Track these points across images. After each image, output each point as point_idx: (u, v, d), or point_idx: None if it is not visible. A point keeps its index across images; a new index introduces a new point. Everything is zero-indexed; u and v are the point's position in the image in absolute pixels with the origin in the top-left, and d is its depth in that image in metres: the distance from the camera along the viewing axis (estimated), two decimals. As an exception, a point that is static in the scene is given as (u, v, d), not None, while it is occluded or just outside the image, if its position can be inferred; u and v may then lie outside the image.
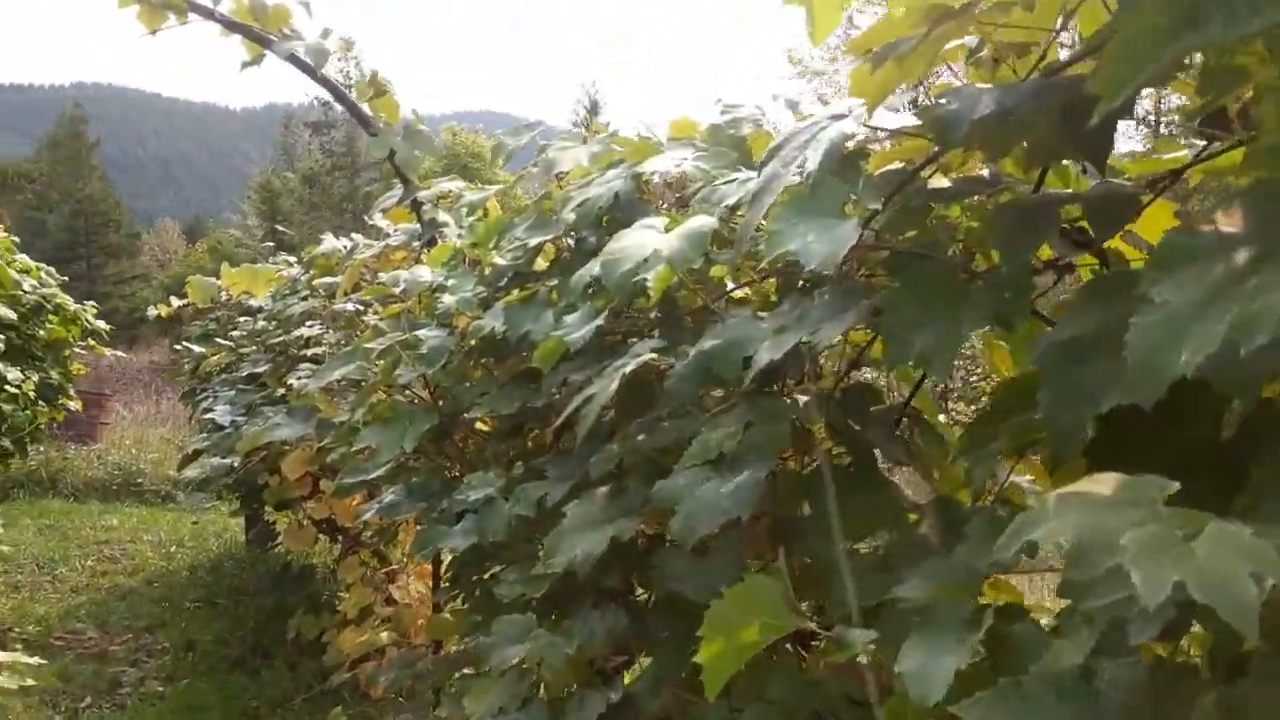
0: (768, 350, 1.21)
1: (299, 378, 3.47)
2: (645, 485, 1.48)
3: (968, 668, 0.84)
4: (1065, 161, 1.18)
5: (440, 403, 2.25)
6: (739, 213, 1.65)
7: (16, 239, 8.00)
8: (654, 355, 1.47)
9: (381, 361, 2.29)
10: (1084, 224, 1.12)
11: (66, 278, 8.85)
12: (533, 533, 1.75)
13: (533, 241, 2.02)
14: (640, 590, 1.76)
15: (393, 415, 2.17)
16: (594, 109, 40.19)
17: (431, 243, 2.97)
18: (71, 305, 8.36)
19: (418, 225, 3.15)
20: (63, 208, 40.62)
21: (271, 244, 11.89)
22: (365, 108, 3.21)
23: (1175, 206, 1.27)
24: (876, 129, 1.09)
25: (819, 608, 1.34)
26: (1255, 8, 0.64)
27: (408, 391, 2.42)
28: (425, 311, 2.48)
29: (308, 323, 3.98)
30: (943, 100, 0.97)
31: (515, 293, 2.08)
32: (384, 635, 3.38)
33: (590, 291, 1.73)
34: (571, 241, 2.08)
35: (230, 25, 3.15)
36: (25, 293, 7.48)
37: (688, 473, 1.29)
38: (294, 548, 4.87)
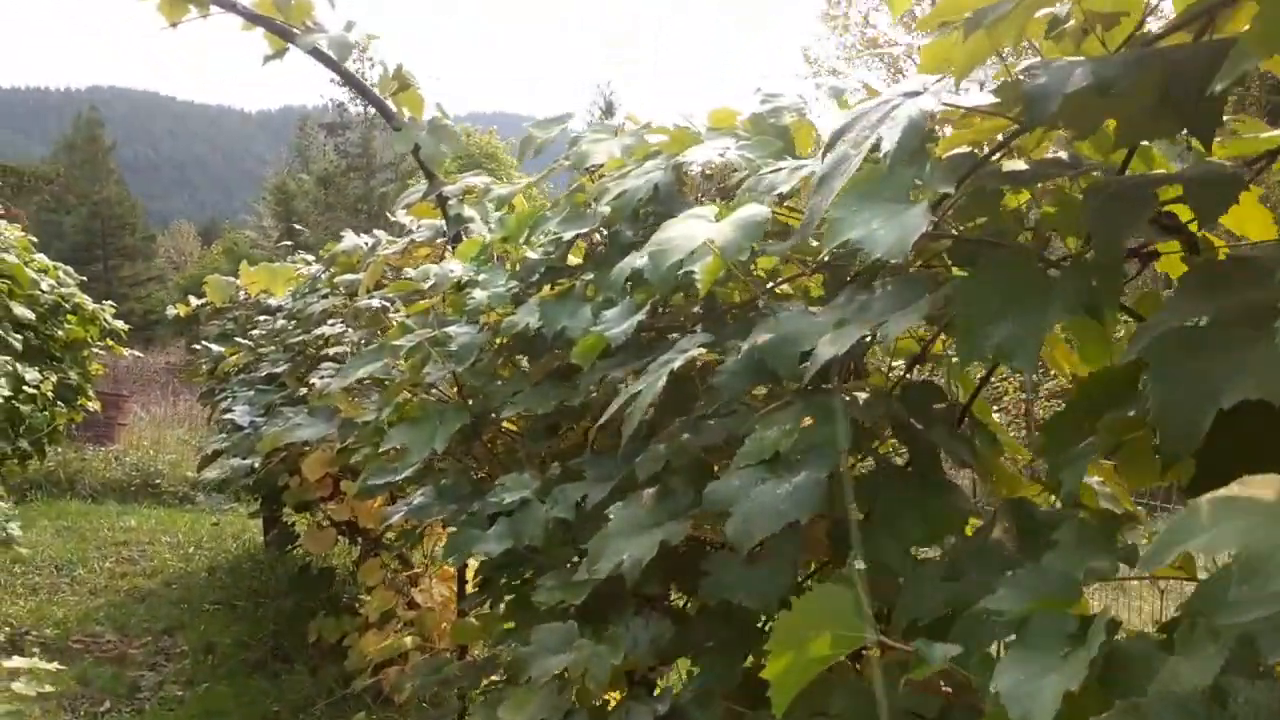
0: (830, 344, 1.15)
1: (321, 377, 3.42)
2: (691, 486, 1.41)
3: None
4: (1147, 143, 1.11)
5: (469, 402, 2.19)
6: (787, 202, 1.59)
7: (34, 239, 7.97)
8: (703, 350, 1.41)
9: (408, 360, 2.23)
10: (1171, 209, 1.05)
11: (85, 278, 8.82)
12: (570, 536, 1.69)
13: (567, 235, 1.96)
14: (676, 596, 1.70)
15: (422, 415, 2.11)
16: (609, 110, 40.15)
17: (457, 238, 2.91)
18: (90, 305, 8.30)
19: (442, 221, 3.10)
20: (80, 210, 40.82)
21: (289, 243, 11.88)
22: (389, 103, 3.16)
23: (1260, 191, 1.20)
24: (953, 107, 1.02)
25: (877, 614, 1.28)
26: None
27: (434, 390, 2.36)
28: (452, 308, 2.42)
29: (328, 321, 3.93)
30: (1031, 72, 0.90)
31: (548, 288, 2.02)
32: (407, 639, 3.33)
33: (629, 286, 1.67)
34: (603, 235, 2.02)
35: (252, 18, 3.10)
36: (43, 292, 7.43)
37: (742, 473, 1.23)
38: (314, 550, 4.82)
